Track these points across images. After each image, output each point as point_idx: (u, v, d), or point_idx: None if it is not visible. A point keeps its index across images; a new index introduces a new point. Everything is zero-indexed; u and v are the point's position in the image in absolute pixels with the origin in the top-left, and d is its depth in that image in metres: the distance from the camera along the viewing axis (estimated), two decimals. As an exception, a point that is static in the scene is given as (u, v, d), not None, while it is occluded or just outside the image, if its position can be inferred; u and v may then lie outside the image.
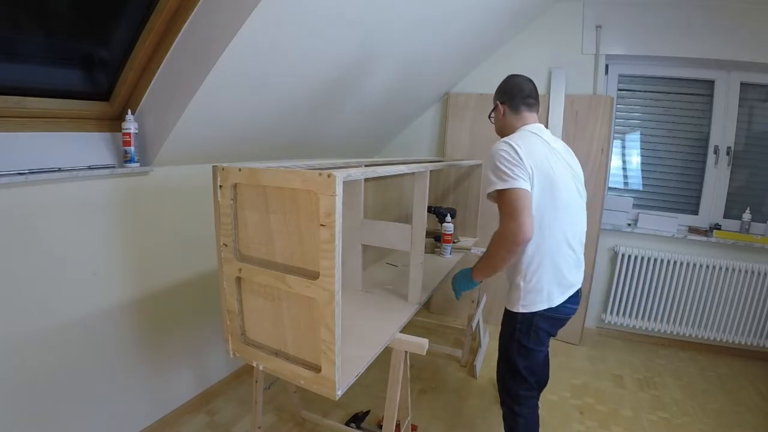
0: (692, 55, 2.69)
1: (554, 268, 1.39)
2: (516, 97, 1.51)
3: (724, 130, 2.81)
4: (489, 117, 1.64)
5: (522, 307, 1.41)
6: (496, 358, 1.59)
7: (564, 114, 2.81)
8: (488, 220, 2.85)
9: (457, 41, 2.46)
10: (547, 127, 2.93)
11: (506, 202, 1.29)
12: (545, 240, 1.36)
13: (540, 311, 1.40)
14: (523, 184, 1.28)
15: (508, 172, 1.29)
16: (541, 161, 1.34)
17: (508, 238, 1.28)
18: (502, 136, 1.48)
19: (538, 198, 1.33)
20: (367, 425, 1.93)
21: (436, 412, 2.10)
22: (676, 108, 2.92)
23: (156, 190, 1.71)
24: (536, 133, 1.45)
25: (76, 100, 1.47)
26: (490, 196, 1.36)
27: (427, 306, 3.27)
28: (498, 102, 1.55)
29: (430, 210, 2.32)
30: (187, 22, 1.42)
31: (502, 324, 1.52)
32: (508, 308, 1.46)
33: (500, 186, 1.29)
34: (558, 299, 1.41)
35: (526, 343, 1.44)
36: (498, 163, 1.32)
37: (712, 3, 2.60)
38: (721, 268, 2.75)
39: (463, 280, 1.54)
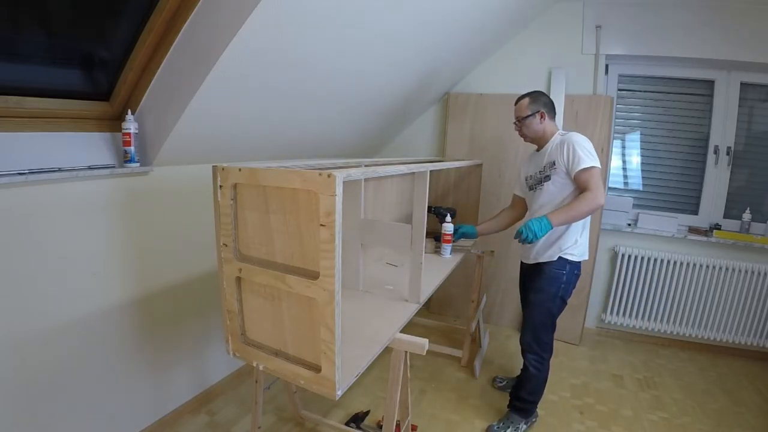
0: (692, 55, 2.69)
1: (589, 226, 1.90)
2: (552, 109, 1.95)
3: (724, 130, 2.81)
4: (522, 120, 1.92)
5: (577, 257, 1.84)
6: (522, 327, 1.98)
7: (564, 114, 2.81)
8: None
9: (457, 41, 2.46)
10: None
11: (596, 175, 1.71)
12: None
13: (582, 261, 1.88)
14: (599, 165, 1.75)
15: (593, 155, 1.74)
16: None
17: (597, 201, 1.69)
18: (538, 138, 1.93)
19: None
20: (367, 425, 1.93)
21: (436, 412, 2.10)
22: (676, 108, 2.92)
23: (156, 190, 1.71)
24: None
25: (76, 100, 1.47)
26: (582, 171, 1.73)
27: (427, 306, 3.27)
28: (542, 111, 1.91)
29: (430, 210, 2.31)
30: (187, 22, 1.42)
31: (539, 285, 1.89)
32: (567, 258, 1.83)
33: (594, 163, 1.72)
34: (586, 256, 1.91)
35: (566, 296, 1.88)
36: (588, 147, 1.76)
37: (712, 3, 2.60)
38: (721, 268, 2.75)
39: (541, 224, 1.74)
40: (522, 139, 2.01)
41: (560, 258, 1.84)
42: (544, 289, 1.87)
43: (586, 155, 1.73)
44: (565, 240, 1.83)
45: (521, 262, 2.10)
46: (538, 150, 1.99)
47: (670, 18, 2.69)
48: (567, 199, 1.81)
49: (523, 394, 1.96)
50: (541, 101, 1.93)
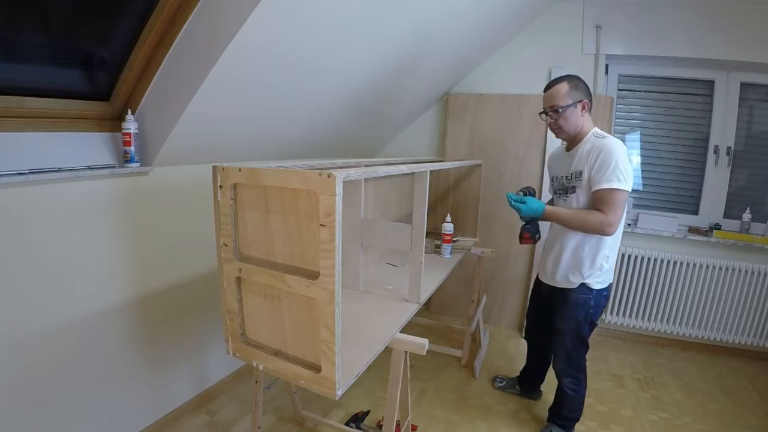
0: (692, 55, 2.68)
1: (617, 251, 1.68)
2: (591, 99, 1.62)
3: (724, 130, 2.81)
4: (561, 111, 1.60)
5: (602, 283, 1.66)
6: (551, 338, 1.84)
7: (564, 114, 2.81)
8: (488, 221, 2.86)
9: (457, 41, 2.46)
10: (546, 128, 2.89)
11: (617, 200, 1.48)
12: (621, 228, 1.59)
13: (608, 285, 1.69)
14: (629, 186, 1.50)
15: (626, 175, 1.49)
16: None
17: (604, 229, 1.50)
18: (574, 135, 1.64)
19: None
20: (367, 425, 1.93)
21: (436, 412, 2.10)
22: (676, 108, 2.92)
23: (156, 190, 1.71)
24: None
25: (76, 100, 1.47)
26: (604, 190, 1.49)
27: (427, 306, 3.27)
28: (585, 100, 1.59)
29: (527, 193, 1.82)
30: (187, 22, 1.42)
31: (566, 313, 1.71)
32: (590, 286, 1.66)
33: (621, 186, 1.48)
34: (612, 278, 1.72)
35: (595, 319, 1.72)
36: (623, 162, 1.49)
37: (712, 3, 2.60)
38: (721, 268, 2.75)
39: (537, 209, 1.60)
40: (555, 135, 1.69)
41: (583, 284, 1.67)
42: (573, 316, 1.71)
43: (617, 173, 1.47)
44: (588, 267, 1.64)
45: (537, 278, 1.94)
46: (568, 149, 1.70)
47: (670, 18, 2.69)
48: None
49: (564, 412, 1.86)
50: (582, 88, 1.61)
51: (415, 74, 2.52)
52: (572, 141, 1.67)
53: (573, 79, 1.61)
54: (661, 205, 3.03)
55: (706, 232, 2.82)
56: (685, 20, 2.66)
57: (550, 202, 1.88)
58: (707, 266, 2.76)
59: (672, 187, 3.00)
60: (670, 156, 2.97)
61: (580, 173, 1.57)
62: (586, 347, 1.78)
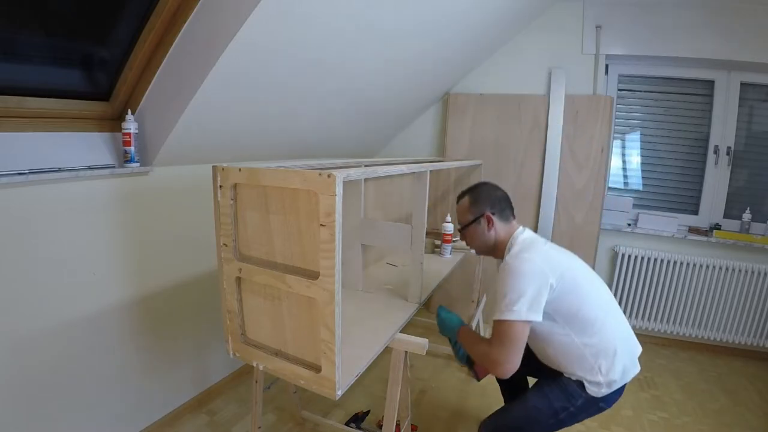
0: (692, 55, 2.68)
1: (629, 352, 1.37)
2: (505, 206, 1.42)
3: (724, 130, 2.81)
4: (463, 230, 1.44)
5: (606, 389, 1.31)
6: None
7: (564, 114, 2.81)
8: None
9: (457, 41, 2.46)
10: (546, 128, 2.86)
11: (505, 333, 1.20)
12: (608, 330, 1.31)
13: (607, 396, 1.32)
14: (527, 315, 1.19)
15: (514, 303, 1.19)
16: (562, 264, 1.30)
17: (485, 362, 1.27)
18: (489, 251, 1.45)
19: (582, 296, 1.29)
20: (367, 425, 1.93)
21: (436, 412, 2.10)
22: (676, 108, 2.92)
23: (156, 190, 1.71)
24: (536, 238, 1.38)
25: (76, 100, 1.47)
26: (495, 321, 1.24)
27: (427, 306, 3.27)
28: (487, 213, 1.39)
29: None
30: (187, 22, 1.42)
31: (541, 393, 1.36)
32: (587, 389, 1.30)
33: (508, 316, 1.19)
34: (633, 371, 1.37)
35: (567, 423, 1.33)
36: (515, 289, 1.20)
37: (712, 3, 2.60)
38: (721, 268, 2.75)
39: (452, 325, 1.47)
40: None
41: (579, 380, 1.31)
42: (545, 394, 1.34)
43: (507, 300, 1.20)
44: (577, 364, 1.30)
45: None
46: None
47: (670, 18, 2.69)
48: (554, 336, 1.30)
49: None
50: (483, 199, 1.41)
51: (416, 73, 2.52)
52: (495, 255, 1.46)
53: (475, 191, 1.45)
54: (661, 205, 3.03)
55: (706, 232, 2.82)
56: (685, 20, 2.66)
57: None
58: (707, 266, 2.76)
59: (672, 187, 3.00)
60: (670, 156, 2.97)
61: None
62: None
